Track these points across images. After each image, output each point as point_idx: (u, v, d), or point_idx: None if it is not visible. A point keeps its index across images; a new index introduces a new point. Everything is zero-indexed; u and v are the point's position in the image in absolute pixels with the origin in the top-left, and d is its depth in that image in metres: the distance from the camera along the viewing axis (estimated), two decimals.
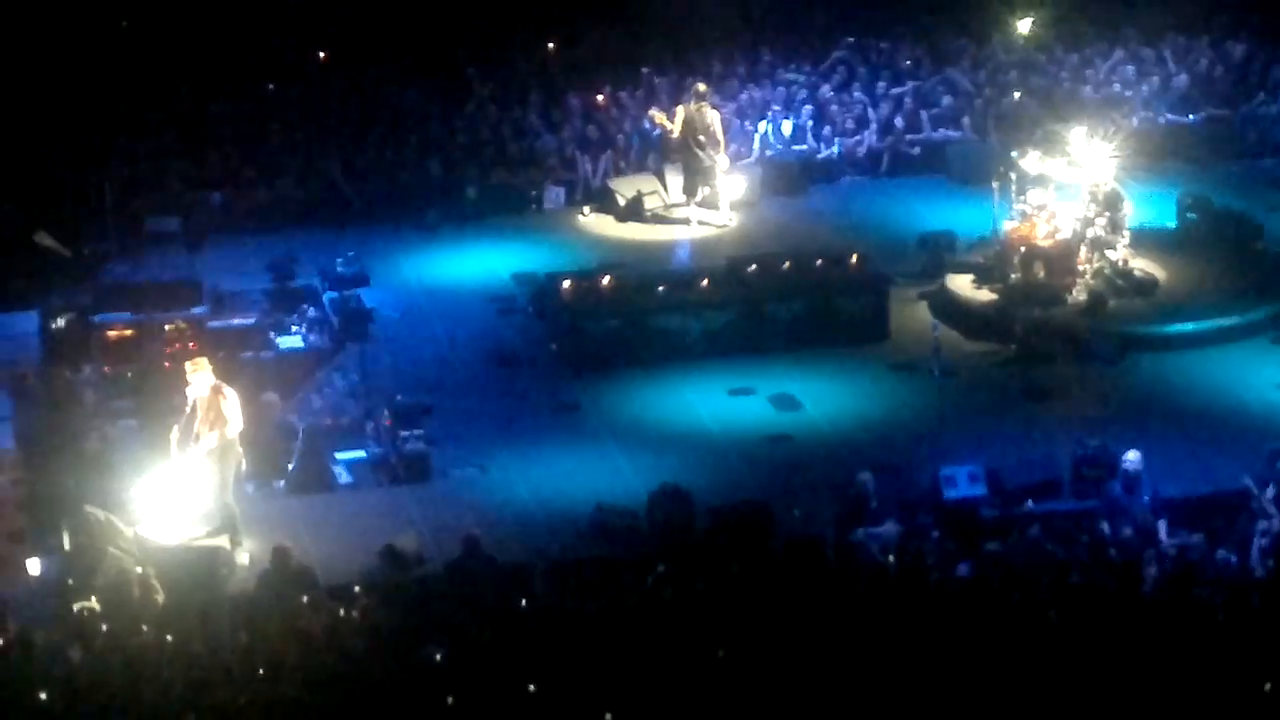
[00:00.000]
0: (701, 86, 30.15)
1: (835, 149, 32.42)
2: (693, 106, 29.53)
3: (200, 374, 20.32)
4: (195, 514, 20.18)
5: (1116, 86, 33.36)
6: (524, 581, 19.01)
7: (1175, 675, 15.34)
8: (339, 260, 27.29)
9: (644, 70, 33.91)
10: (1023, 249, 25.73)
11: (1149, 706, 15.06)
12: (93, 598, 18.80)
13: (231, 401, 20.26)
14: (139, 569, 19.18)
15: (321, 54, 34.98)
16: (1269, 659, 15.50)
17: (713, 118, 29.62)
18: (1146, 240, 26.99)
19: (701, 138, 29.35)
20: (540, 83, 34.16)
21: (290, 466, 22.32)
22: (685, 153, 29.57)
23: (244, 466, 20.79)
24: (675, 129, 29.51)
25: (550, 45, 35.39)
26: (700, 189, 29.62)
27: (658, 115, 30.53)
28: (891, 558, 19.13)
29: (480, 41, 35.24)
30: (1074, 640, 15.89)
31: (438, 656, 16.22)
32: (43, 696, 15.92)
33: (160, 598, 18.91)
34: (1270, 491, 20.07)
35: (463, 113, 32.99)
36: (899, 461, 21.95)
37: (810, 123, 32.62)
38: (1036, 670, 15.45)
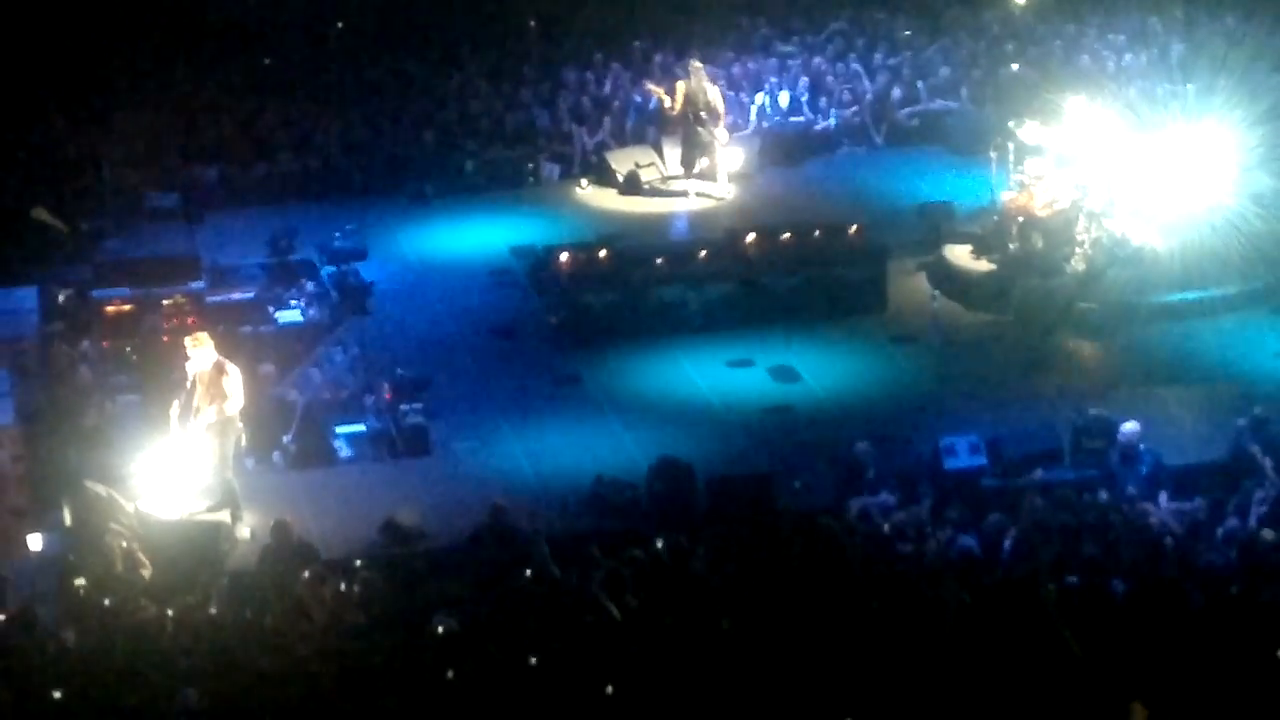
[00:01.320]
0: (697, 62, 30.13)
1: (832, 120, 32.39)
2: (692, 81, 29.52)
3: (201, 349, 20.30)
4: (196, 489, 20.19)
5: (1113, 55, 33.32)
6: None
7: (1187, 642, 15.41)
8: (337, 234, 27.37)
9: (636, 44, 33.93)
10: (1021, 219, 25.71)
11: (1165, 673, 15.12)
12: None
13: (234, 377, 20.25)
14: (124, 543, 19.18)
15: (339, 24, 35.00)
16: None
17: (712, 92, 29.63)
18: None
19: (703, 113, 29.38)
20: (536, 55, 34.15)
21: (286, 439, 22.33)
22: (685, 127, 29.56)
23: (244, 441, 20.80)
24: (676, 104, 29.50)
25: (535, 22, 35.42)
26: (698, 161, 29.63)
27: (655, 89, 30.51)
28: (886, 527, 19.15)
29: (476, 13, 35.21)
30: (1083, 610, 15.94)
31: (440, 629, 16.26)
32: (44, 672, 15.96)
33: (147, 572, 18.91)
34: (1269, 462, 20.11)
35: (458, 86, 32.95)
36: (899, 432, 21.96)
37: (807, 94, 32.59)
38: (1044, 641, 15.49)
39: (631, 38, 34.55)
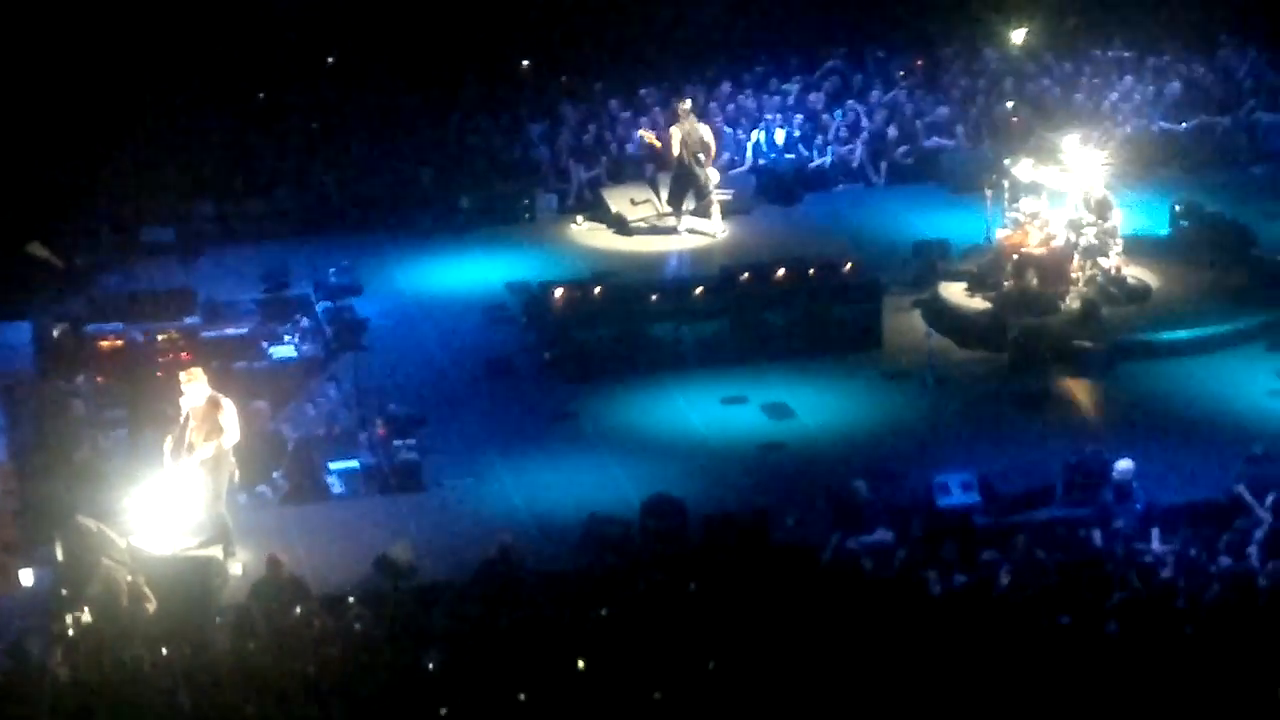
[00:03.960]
0: (685, 104, 30.14)
1: (828, 157, 32.42)
2: (684, 124, 29.49)
3: (195, 384, 20.28)
4: (188, 524, 20.14)
5: (1109, 94, 33.37)
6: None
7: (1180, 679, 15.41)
8: (332, 270, 27.36)
9: (643, 91, 33.98)
10: (1016, 257, 25.74)
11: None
12: (85, 608, 18.80)
13: (229, 412, 20.22)
14: (129, 577, 19.14)
15: (329, 59, 35.03)
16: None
17: (705, 131, 29.67)
18: (1139, 247, 26.99)
19: (700, 155, 29.40)
20: (533, 92, 34.18)
21: (276, 474, 22.28)
22: (680, 168, 29.49)
23: (237, 477, 20.76)
24: (674, 149, 29.42)
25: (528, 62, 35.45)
26: (688, 200, 29.61)
27: (649, 137, 30.46)
28: (881, 566, 19.13)
29: (474, 50, 35.25)
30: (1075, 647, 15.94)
31: (431, 665, 16.23)
32: (34, 707, 15.91)
33: (151, 606, 18.86)
34: (1270, 498, 20.12)
35: (455, 121, 32.98)
36: (892, 469, 21.95)
37: (802, 131, 32.62)
38: (1035, 680, 15.47)
39: (630, 74, 34.57)
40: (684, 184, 29.56)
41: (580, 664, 16.11)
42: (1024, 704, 15.23)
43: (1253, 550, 19.24)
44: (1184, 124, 32.83)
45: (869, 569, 19.13)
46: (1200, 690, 15.27)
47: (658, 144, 30.00)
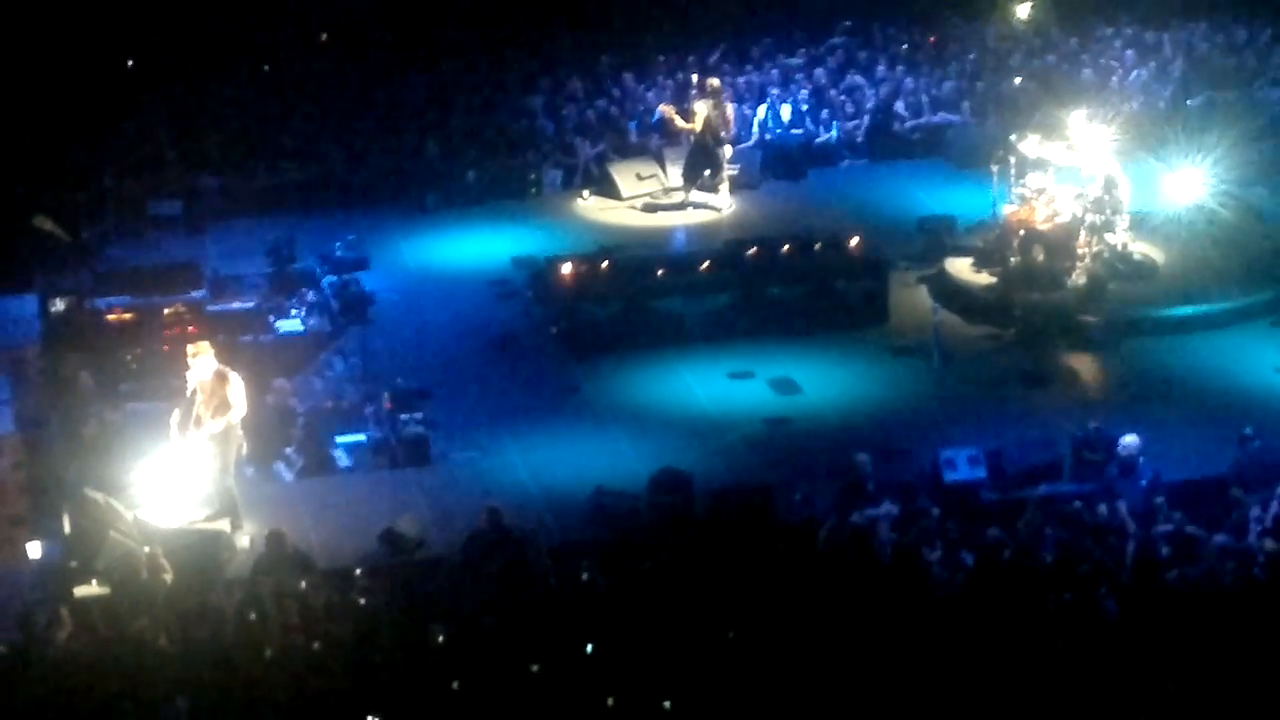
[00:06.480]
0: (715, 83, 30.09)
1: (834, 132, 32.40)
2: (710, 102, 29.44)
3: (202, 358, 20.31)
4: (196, 498, 20.19)
5: (1116, 70, 33.35)
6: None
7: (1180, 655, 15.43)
8: (338, 244, 27.37)
9: (660, 58, 33.99)
10: (1022, 232, 25.74)
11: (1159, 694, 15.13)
12: (94, 581, 18.85)
13: (236, 386, 20.25)
14: (145, 549, 19.17)
15: (323, 35, 34.99)
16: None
17: (728, 110, 29.68)
18: (1145, 223, 26.96)
19: (722, 134, 29.40)
20: (540, 65, 34.17)
21: (289, 450, 22.30)
22: (703, 147, 29.45)
23: (245, 450, 20.78)
24: (695, 127, 29.40)
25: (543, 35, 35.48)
26: (702, 177, 29.59)
27: (671, 114, 30.41)
28: (888, 540, 19.14)
29: (480, 25, 35.26)
30: (1077, 629, 15.96)
31: (440, 638, 16.26)
32: (41, 679, 15.96)
33: (169, 577, 18.88)
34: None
35: (461, 95, 32.97)
36: (899, 445, 21.97)
37: (808, 106, 32.60)
38: (1040, 655, 15.50)
39: (638, 48, 34.58)
40: (702, 160, 29.53)
41: (588, 639, 16.16)
42: (1024, 681, 15.27)
43: (1254, 531, 19.25)
44: (1190, 100, 32.79)
45: (873, 542, 19.12)
46: (1202, 673, 15.29)
47: (680, 120, 29.91)
